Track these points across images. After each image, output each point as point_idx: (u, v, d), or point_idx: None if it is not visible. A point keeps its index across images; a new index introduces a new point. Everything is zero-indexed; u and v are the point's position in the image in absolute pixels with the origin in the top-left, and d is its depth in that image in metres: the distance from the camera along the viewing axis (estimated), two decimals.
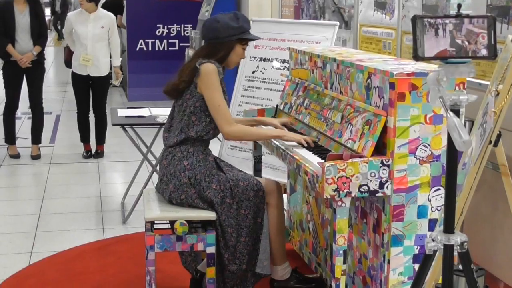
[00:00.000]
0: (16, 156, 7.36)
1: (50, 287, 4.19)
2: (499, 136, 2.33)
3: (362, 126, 3.29)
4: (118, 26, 11.94)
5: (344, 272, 3.20)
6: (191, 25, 10.69)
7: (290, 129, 4.01)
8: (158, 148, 3.87)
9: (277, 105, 4.48)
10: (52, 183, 6.44)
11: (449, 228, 2.06)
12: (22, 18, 7.00)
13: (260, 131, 3.94)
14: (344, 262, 3.18)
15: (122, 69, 12.22)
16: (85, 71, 7.15)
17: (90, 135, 7.51)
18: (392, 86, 3.10)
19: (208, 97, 3.66)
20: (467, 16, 1.89)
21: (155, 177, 4.66)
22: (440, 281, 2.34)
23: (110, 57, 7.30)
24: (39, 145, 7.48)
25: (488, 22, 1.87)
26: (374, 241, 3.38)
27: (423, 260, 2.15)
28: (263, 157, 4.63)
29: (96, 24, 7.07)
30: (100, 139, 7.49)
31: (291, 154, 3.58)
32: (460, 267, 2.27)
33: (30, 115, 7.57)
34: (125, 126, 5.37)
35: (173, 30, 11.11)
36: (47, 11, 23.74)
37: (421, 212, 3.21)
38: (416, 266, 3.20)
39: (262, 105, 5.35)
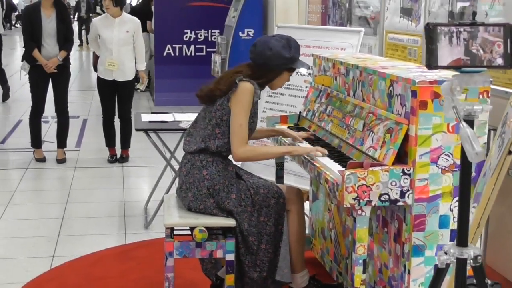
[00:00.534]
0: (42, 159, 7.40)
1: None
2: None
3: (384, 134, 3.25)
4: (148, 31, 12.10)
5: (364, 282, 3.15)
6: (218, 31, 10.69)
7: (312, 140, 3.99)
8: (182, 153, 3.86)
9: (300, 112, 4.45)
10: (77, 187, 6.46)
11: (462, 241, 2.01)
12: (49, 23, 7.05)
13: (269, 151, 3.91)
14: (364, 272, 3.14)
15: (150, 73, 12.31)
16: (111, 75, 7.18)
17: (115, 140, 7.53)
18: (414, 94, 3.06)
19: (234, 113, 3.63)
20: (483, 24, 1.84)
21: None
22: None
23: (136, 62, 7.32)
24: (65, 149, 7.52)
25: (505, 31, 1.82)
26: (395, 250, 3.33)
27: (436, 273, 2.11)
28: (286, 164, 4.60)
29: (121, 28, 7.09)
30: (125, 144, 7.51)
31: (312, 161, 3.55)
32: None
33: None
34: (148, 131, 5.39)
35: (201, 35, 11.12)
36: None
37: (443, 222, 3.16)
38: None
39: (286, 112, 5.32)
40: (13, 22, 34.29)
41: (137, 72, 7.36)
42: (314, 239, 4.61)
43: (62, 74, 7.21)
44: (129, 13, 12.17)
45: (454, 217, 3.15)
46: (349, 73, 3.86)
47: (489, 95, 3.10)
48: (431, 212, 3.13)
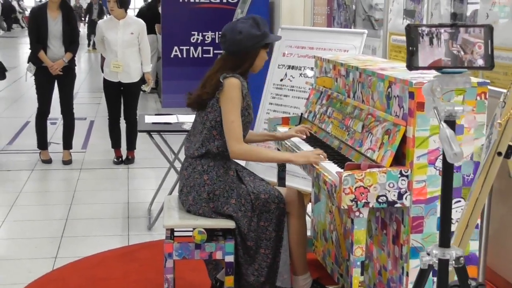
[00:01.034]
0: (48, 161, 7.43)
1: None
2: (510, 147, 2.27)
3: (382, 135, 3.25)
4: (157, 33, 12.12)
5: (362, 284, 3.15)
6: None
7: (311, 135, 3.99)
8: None
9: (301, 114, 4.46)
10: (81, 189, 6.49)
11: (444, 242, 2.01)
12: (55, 25, 7.08)
13: (269, 154, 3.86)
14: (362, 274, 3.14)
15: (158, 75, 12.34)
16: (116, 77, 7.20)
17: (121, 141, 7.56)
18: (411, 95, 3.06)
19: (224, 111, 3.63)
20: (463, 25, 1.84)
21: None
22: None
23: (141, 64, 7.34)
24: (71, 151, 7.55)
25: (485, 32, 1.82)
26: (394, 252, 3.33)
27: (419, 274, 2.10)
28: (291, 166, 4.60)
29: (126, 30, 7.11)
30: (131, 146, 7.53)
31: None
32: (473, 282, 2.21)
33: None
34: (152, 133, 5.40)
35: (208, 37, 11.13)
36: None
37: None
38: (436, 279, 3.14)
39: (289, 113, 5.32)
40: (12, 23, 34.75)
41: (143, 74, 7.37)
42: (316, 241, 4.61)
43: (67, 76, 7.24)
44: (137, 15, 12.26)
45: (452, 219, 3.14)
46: (349, 75, 3.86)
47: (487, 97, 3.10)
48: (429, 214, 3.12)
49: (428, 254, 2.05)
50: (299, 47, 5.57)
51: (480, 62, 1.84)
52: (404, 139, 3.12)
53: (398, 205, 3.11)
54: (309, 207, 4.95)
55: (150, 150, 7.44)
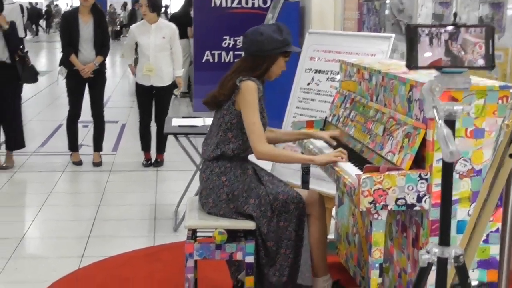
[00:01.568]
0: (79, 163, 7.53)
1: None
2: None
3: (402, 139, 3.25)
4: (190, 37, 12.20)
5: (380, 286, 3.15)
6: None
7: (334, 139, 4.00)
8: None
9: (325, 117, 4.47)
10: (110, 190, 6.56)
11: (444, 240, 2.01)
12: (86, 28, 7.18)
13: (291, 155, 3.96)
14: (380, 276, 3.14)
15: (190, 79, 12.41)
16: (149, 81, 7.28)
17: (150, 144, 7.63)
18: None
19: (244, 114, 3.65)
20: (464, 25, 1.84)
21: None
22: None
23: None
24: (101, 153, 7.64)
25: (486, 32, 1.82)
26: (413, 255, 3.32)
27: (419, 273, 2.11)
28: (314, 169, 4.61)
29: (158, 34, 7.19)
30: (160, 148, 7.60)
31: (332, 165, 3.56)
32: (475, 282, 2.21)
33: None
34: (179, 136, 5.45)
35: (239, 41, 11.16)
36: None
37: (461, 227, 3.13)
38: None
39: (316, 117, 5.32)
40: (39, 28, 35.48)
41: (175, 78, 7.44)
42: (340, 243, 4.62)
43: (98, 79, 7.34)
44: (170, 19, 12.35)
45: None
46: (372, 78, 3.87)
47: (508, 100, 3.09)
48: None
49: (428, 253, 2.05)
50: (326, 51, 5.59)
51: (481, 62, 1.85)
52: (424, 142, 3.12)
53: (417, 208, 3.10)
54: (334, 210, 4.96)
55: (179, 153, 7.50)
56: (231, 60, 11.17)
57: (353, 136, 3.88)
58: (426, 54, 1.82)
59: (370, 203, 3.06)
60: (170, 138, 6.41)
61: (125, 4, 35.43)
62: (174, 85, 7.54)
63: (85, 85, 7.34)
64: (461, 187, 3.12)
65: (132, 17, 23.26)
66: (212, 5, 11.00)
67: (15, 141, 7.39)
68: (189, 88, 12.65)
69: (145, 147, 7.65)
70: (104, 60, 7.34)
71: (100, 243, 5.11)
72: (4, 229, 5.39)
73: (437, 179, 3.08)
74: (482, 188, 2.37)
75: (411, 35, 1.84)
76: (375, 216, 3.09)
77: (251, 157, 3.80)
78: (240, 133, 3.69)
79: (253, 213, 3.64)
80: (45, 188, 6.61)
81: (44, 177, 7.08)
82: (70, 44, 7.17)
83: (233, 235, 3.71)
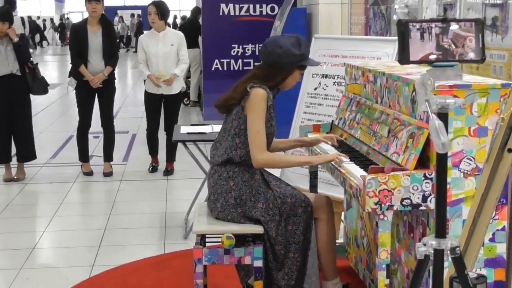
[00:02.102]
0: (89, 173, 7.57)
1: None
2: None
3: (407, 139, 3.26)
4: (199, 47, 12.22)
5: (388, 287, 3.15)
6: None
7: (341, 141, 4.02)
8: None
9: (332, 121, 4.48)
10: (121, 199, 6.59)
11: (440, 232, 2.02)
12: (95, 39, 7.23)
13: (288, 159, 4.10)
14: (387, 277, 3.15)
15: (200, 88, 12.43)
16: (158, 90, 7.32)
17: (157, 149, 7.68)
18: None
19: (250, 121, 3.66)
20: (454, 19, 1.86)
21: None
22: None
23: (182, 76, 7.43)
24: (112, 163, 7.68)
25: (476, 26, 1.83)
26: None
27: (417, 265, 2.11)
28: (323, 173, 4.63)
29: (166, 42, 7.24)
30: (170, 157, 7.63)
31: (338, 168, 3.57)
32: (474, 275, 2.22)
33: None
34: (187, 143, 5.48)
35: (248, 49, 11.19)
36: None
37: None
38: None
39: (323, 122, 5.34)
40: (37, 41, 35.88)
41: (182, 88, 7.46)
42: (349, 247, 4.62)
43: (107, 89, 7.38)
44: (179, 29, 12.40)
45: None
46: (377, 80, 3.88)
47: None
48: (454, 216, 3.12)
49: (424, 245, 2.06)
50: (333, 55, 5.60)
51: (472, 55, 1.86)
52: (428, 142, 3.12)
53: (422, 207, 3.11)
54: (343, 214, 4.96)
55: (189, 161, 7.54)
56: (240, 68, 11.19)
57: (359, 139, 3.89)
58: (418, 49, 1.84)
59: (376, 203, 3.07)
60: (180, 147, 6.44)
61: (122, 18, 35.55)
62: (183, 94, 7.56)
63: (94, 95, 7.39)
64: (466, 186, 3.12)
65: (139, 30, 23.44)
66: (221, 13, 11.03)
67: (27, 153, 7.43)
68: (199, 97, 12.69)
69: (152, 152, 7.71)
70: (113, 70, 7.39)
71: (111, 252, 5.13)
72: (16, 240, 5.43)
73: None
74: (480, 182, 2.37)
75: (402, 30, 1.86)
76: (381, 216, 3.10)
77: None
78: (247, 140, 3.70)
79: (261, 217, 3.65)
80: (56, 198, 6.65)
81: (55, 188, 7.12)
82: (79, 55, 7.22)
83: (241, 240, 3.72)
